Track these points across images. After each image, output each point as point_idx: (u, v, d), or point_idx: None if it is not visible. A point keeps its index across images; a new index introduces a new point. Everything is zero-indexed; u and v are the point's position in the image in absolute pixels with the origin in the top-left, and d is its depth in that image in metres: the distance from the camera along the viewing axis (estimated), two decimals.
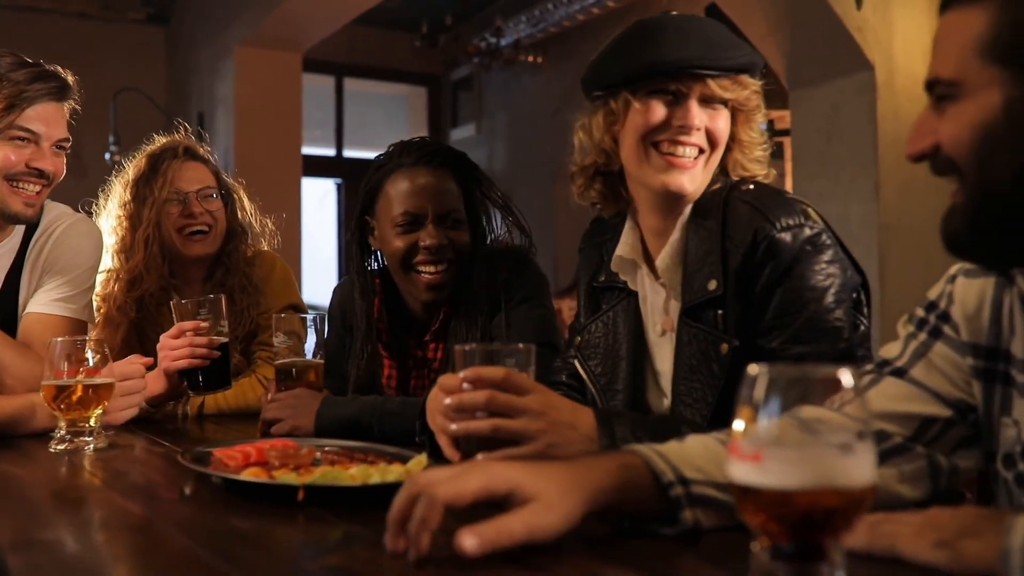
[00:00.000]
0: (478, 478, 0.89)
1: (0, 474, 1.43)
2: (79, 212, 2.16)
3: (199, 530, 1.09)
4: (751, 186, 1.48)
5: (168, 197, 2.24)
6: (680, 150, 1.44)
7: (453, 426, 1.16)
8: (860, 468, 0.72)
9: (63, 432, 1.58)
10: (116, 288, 2.23)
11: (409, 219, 1.87)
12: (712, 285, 1.41)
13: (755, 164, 1.52)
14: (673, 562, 0.90)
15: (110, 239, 2.25)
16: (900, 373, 1.13)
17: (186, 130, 2.45)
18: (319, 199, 8.91)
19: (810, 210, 1.43)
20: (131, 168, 2.32)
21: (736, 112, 1.48)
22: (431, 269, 1.87)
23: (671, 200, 1.48)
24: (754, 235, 1.39)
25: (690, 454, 0.99)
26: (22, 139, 1.84)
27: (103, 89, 6.60)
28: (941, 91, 0.98)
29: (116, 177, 2.36)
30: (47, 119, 1.86)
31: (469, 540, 0.84)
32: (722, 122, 1.46)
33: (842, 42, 3.57)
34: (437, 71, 8.61)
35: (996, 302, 1.08)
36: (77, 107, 1.98)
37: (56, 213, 2.03)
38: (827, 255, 1.39)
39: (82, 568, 0.96)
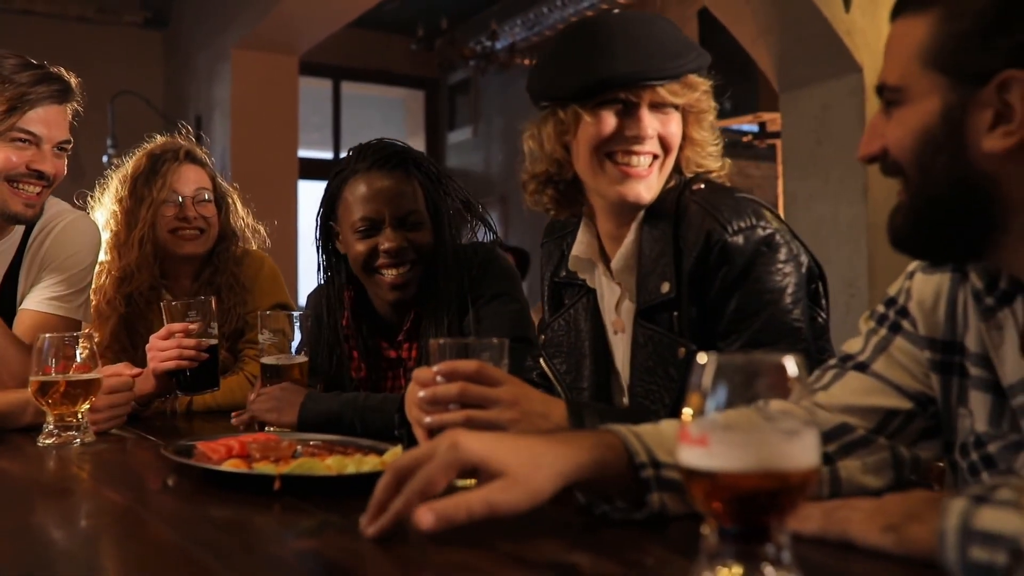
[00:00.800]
0: (446, 460, 0.92)
1: None
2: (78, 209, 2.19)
3: (179, 519, 1.12)
4: (702, 185, 1.49)
5: (165, 198, 2.28)
6: (634, 159, 1.45)
7: (428, 418, 1.19)
8: (802, 453, 0.75)
9: (51, 427, 1.62)
10: (107, 282, 2.27)
11: (368, 224, 1.89)
12: (665, 287, 1.43)
13: (708, 159, 1.53)
14: (643, 548, 0.92)
15: (104, 233, 2.28)
16: (862, 367, 1.16)
17: (188, 132, 2.48)
18: (319, 201, 8.92)
19: (763, 209, 1.45)
20: (130, 164, 2.35)
21: (687, 113, 1.49)
22: (392, 272, 1.90)
23: (628, 208, 1.49)
24: (707, 238, 1.40)
25: (664, 437, 1.01)
26: (23, 141, 1.87)
27: (101, 92, 6.64)
28: (888, 96, 1.02)
29: (114, 170, 2.39)
30: (48, 121, 1.89)
31: (426, 517, 0.87)
32: (674, 126, 1.47)
33: (831, 45, 3.60)
34: (434, 74, 8.65)
35: (951, 297, 1.11)
36: (79, 109, 2.01)
37: (56, 210, 2.06)
38: (781, 254, 1.41)
39: (65, 554, 0.99)
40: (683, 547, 0.92)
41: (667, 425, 1.06)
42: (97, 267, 2.24)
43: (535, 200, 1.59)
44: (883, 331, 1.17)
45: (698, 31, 4.94)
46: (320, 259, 2.05)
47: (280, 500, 1.15)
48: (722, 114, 5.02)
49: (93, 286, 2.24)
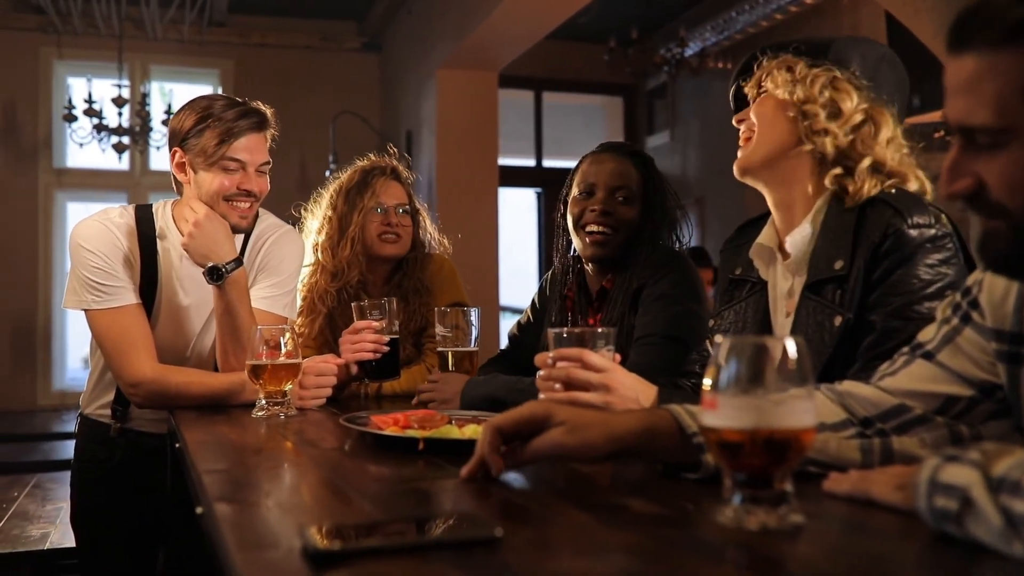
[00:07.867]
0: (526, 407, 1.19)
1: (217, 433, 1.84)
2: (288, 221, 2.59)
3: (346, 470, 1.42)
4: (894, 191, 1.60)
5: (373, 206, 2.65)
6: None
7: (542, 395, 1.43)
8: (790, 416, 0.93)
9: (263, 402, 1.98)
10: (321, 279, 2.66)
11: (586, 189, 2.27)
12: (838, 265, 1.55)
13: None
14: (688, 498, 1.11)
15: (320, 236, 2.69)
16: (929, 356, 1.26)
17: (395, 152, 2.86)
18: (529, 207, 9.33)
19: (943, 216, 1.55)
20: (344, 177, 2.75)
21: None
22: (594, 228, 2.22)
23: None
24: (887, 226, 1.52)
25: None
26: (232, 168, 2.25)
27: (324, 113, 7.31)
28: (983, 139, 1.01)
29: (328, 183, 2.81)
30: (251, 148, 2.26)
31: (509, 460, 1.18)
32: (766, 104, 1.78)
33: None
34: (631, 81, 8.80)
35: (1021, 291, 1.17)
36: (276, 133, 2.39)
37: (269, 222, 2.46)
38: (943, 255, 1.50)
39: (263, 491, 1.30)
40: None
41: None
42: (312, 266, 2.65)
43: None
44: (955, 321, 1.25)
45: (886, 29, 4.87)
46: (558, 234, 2.44)
47: (424, 458, 1.43)
48: (910, 111, 4.95)
49: (308, 283, 2.65)
